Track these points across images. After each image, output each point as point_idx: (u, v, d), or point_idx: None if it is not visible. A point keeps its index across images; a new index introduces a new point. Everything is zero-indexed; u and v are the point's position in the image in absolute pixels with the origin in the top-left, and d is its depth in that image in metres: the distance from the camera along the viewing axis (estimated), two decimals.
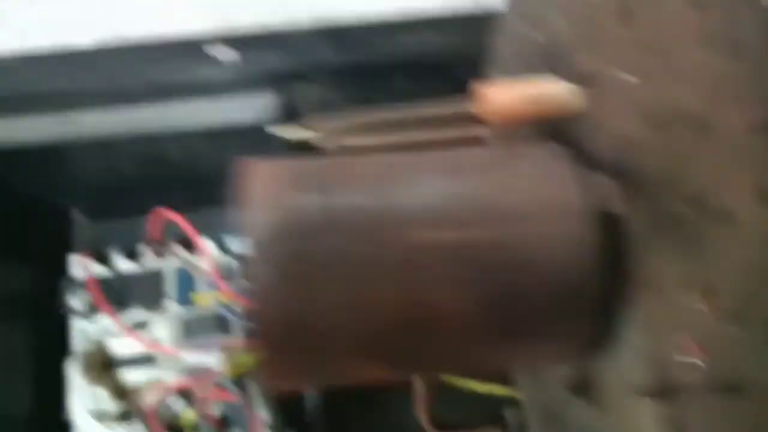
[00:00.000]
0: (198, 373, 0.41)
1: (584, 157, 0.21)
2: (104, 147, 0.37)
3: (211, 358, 0.39)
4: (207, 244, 0.42)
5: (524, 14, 0.25)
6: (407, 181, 0.20)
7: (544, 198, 0.20)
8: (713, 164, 0.14)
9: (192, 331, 0.42)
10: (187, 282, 0.44)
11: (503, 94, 0.21)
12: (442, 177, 0.21)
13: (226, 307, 0.41)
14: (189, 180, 0.46)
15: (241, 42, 0.32)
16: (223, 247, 0.44)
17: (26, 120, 0.34)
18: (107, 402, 0.42)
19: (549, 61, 0.22)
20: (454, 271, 0.19)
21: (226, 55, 0.32)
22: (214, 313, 0.43)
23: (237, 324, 0.42)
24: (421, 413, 0.32)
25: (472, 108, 0.22)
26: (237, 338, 0.42)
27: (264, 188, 0.20)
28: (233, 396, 0.38)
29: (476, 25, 0.33)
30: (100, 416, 0.42)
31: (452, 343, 0.20)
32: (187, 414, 0.40)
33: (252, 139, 0.39)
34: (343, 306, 0.19)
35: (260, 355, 0.19)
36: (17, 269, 0.42)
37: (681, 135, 0.16)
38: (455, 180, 0.20)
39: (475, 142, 0.24)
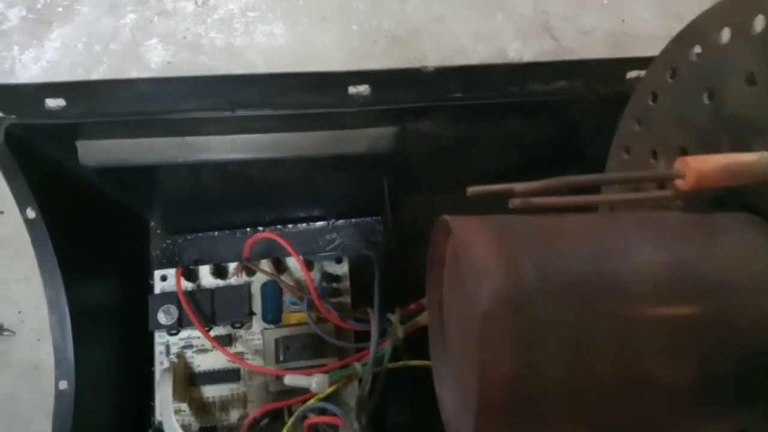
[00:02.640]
0: (286, 392, 0.41)
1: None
2: (205, 167, 0.36)
3: (302, 377, 0.39)
4: (302, 264, 0.42)
5: (692, 79, 0.25)
6: (617, 248, 0.21)
7: (756, 270, 0.20)
8: None
9: (282, 348, 0.42)
10: (276, 300, 0.44)
11: (705, 163, 0.21)
12: (651, 245, 0.21)
13: (317, 326, 0.41)
14: (276, 200, 0.46)
15: (373, 78, 0.32)
16: (310, 267, 0.45)
17: (146, 141, 0.34)
18: (191, 417, 0.42)
19: (730, 128, 0.23)
20: (671, 344, 0.19)
21: (359, 90, 0.32)
22: (303, 331, 0.43)
23: (328, 344, 0.42)
24: None
25: (663, 174, 0.22)
26: (327, 357, 0.42)
27: (482, 250, 0.20)
28: (332, 419, 0.38)
29: (602, 71, 0.34)
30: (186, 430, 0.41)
31: (660, 414, 0.20)
32: None
33: (358, 167, 0.39)
34: (562, 375, 0.19)
35: (477, 421, 0.19)
36: (106, 282, 0.42)
37: None
38: (664, 249, 0.21)
39: (660, 205, 0.25)
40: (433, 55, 0.55)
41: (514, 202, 0.23)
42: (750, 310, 0.20)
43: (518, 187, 0.23)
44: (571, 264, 0.20)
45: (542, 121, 0.37)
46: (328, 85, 0.33)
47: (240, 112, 0.33)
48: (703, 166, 0.22)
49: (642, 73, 0.35)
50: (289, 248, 0.41)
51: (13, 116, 0.32)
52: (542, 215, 0.23)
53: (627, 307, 0.20)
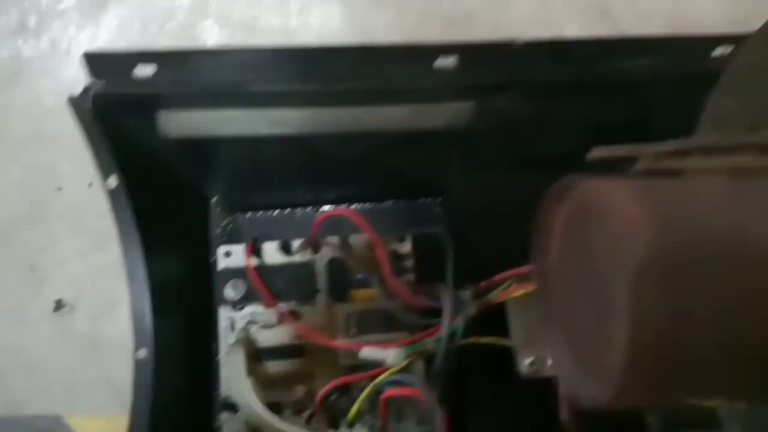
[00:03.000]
0: (355, 367, 0.41)
1: None
2: (282, 142, 0.36)
3: (382, 353, 0.39)
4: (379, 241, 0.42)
5: None
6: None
7: None
8: None
9: (354, 323, 0.42)
10: (343, 276, 0.44)
11: None
12: None
13: (386, 301, 0.41)
14: (340, 178, 0.46)
15: (461, 51, 0.32)
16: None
17: (229, 113, 0.34)
18: (257, 392, 0.42)
19: None
20: None
21: (446, 62, 0.32)
22: (372, 307, 0.43)
23: (396, 320, 0.42)
24: None
25: None
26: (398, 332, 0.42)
27: (631, 208, 0.19)
28: (410, 391, 0.38)
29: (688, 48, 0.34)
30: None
31: None
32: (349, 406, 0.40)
33: (428, 144, 0.39)
34: (719, 343, 0.19)
35: (623, 377, 0.19)
36: (177, 256, 0.42)
37: None
38: None
39: None
40: (490, 37, 0.54)
41: (641, 167, 0.23)
42: None
43: (649, 149, 0.23)
44: (724, 224, 0.19)
45: (622, 99, 0.37)
46: (415, 57, 0.33)
47: (328, 86, 0.33)
48: None
49: (727, 50, 0.35)
50: (364, 225, 0.41)
51: (103, 82, 0.32)
52: (684, 178, 0.22)
53: None
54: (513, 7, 0.55)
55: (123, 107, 0.34)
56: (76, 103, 0.33)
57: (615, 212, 0.20)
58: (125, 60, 0.32)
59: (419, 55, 0.33)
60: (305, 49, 0.32)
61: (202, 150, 0.38)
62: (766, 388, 0.20)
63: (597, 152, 0.23)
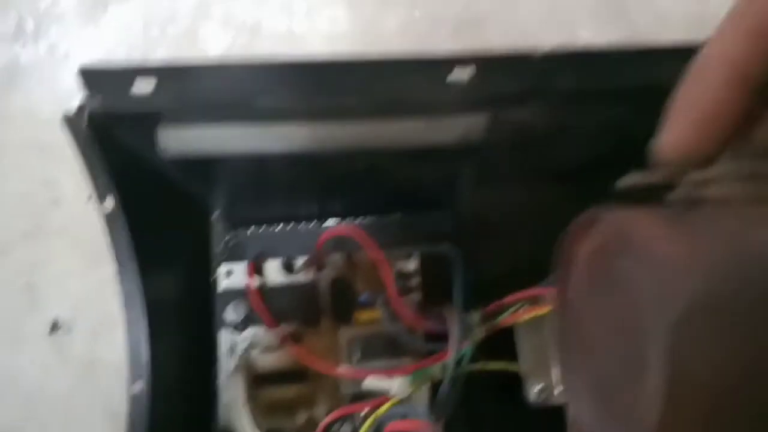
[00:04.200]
0: (359, 396, 0.39)
1: None
2: (286, 158, 0.34)
3: (386, 382, 0.37)
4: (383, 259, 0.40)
5: None
6: None
7: None
8: None
9: (357, 349, 0.40)
10: (347, 298, 0.42)
11: None
12: None
13: (393, 326, 0.39)
14: (345, 192, 0.44)
15: (476, 62, 0.30)
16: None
17: (232, 129, 0.32)
18: (257, 419, 0.40)
19: None
20: None
21: (461, 75, 0.30)
22: (376, 331, 0.41)
23: (401, 344, 0.40)
24: None
25: None
26: (402, 358, 0.40)
27: (669, 248, 0.17)
28: (416, 424, 0.36)
29: None
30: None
31: None
32: None
33: (440, 158, 0.37)
34: None
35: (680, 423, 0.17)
36: (175, 277, 0.40)
37: None
38: None
39: None
40: (499, 42, 0.52)
41: (679, 193, 0.21)
42: None
43: (693, 176, 0.20)
44: None
45: (645, 109, 0.35)
46: (428, 70, 0.31)
47: (336, 100, 0.31)
48: None
49: None
50: (369, 244, 0.39)
51: (99, 96, 0.30)
52: (717, 209, 0.20)
53: None
54: (525, 8, 0.53)
55: (121, 125, 0.32)
56: (71, 121, 0.31)
57: (651, 251, 0.18)
58: (122, 75, 0.30)
59: (433, 67, 0.31)
60: (312, 63, 0.30)
61: (203, 166, 0.36)
62: None
63: (628, 179, 0.21)
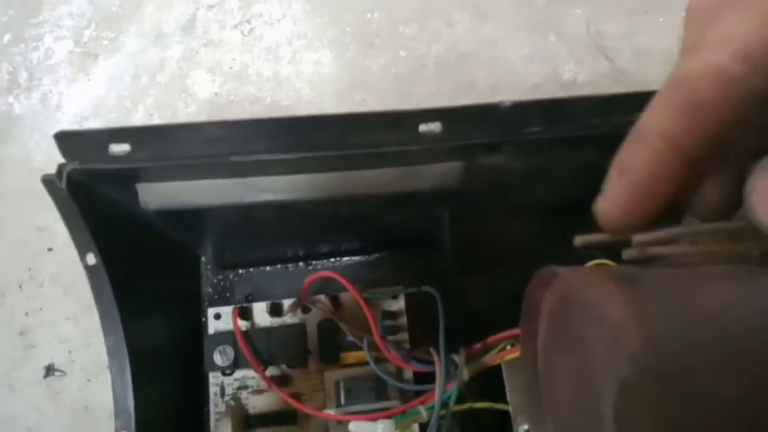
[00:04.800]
0: None
1: None
2: (267, 207, 0.35)
3: (367, 423, 0.38)
4: (363, 303, 0.41)
5: None
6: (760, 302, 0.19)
7: None
8: None
9: (343, 391, 0.40)
10: (333, 339, 0.42)
11: None
12: None
13: (379, 368, 0.39)
14: (330, 234, 0.45)
15: (446, 115, 0.31)
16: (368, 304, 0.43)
17: (208, 183, 0.33)
18: None
19: None
20: None
21: (430, 127, 0.31)
22: (363, 373, 0.41)
23: (389, 386, 0.40)
24: None
25: None
26: (389, 401, 0.40)
27: (612, 309, 0.18)
28: None
29: None
30: None
31: None
32: None
33: (420, 202, 0.38)
34: None
35: None
36: (163, 323, 0.41)
37: None
38: None
39: None
40: (483, 80, 0.53)
41: (630, 253, 0.21)
42: None
43: (639, 237, 0.21)
44: (726, 323, 0.18)
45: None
46: (399, 123, 0.32)
47: (311, 153, 0.32)
48: None
49: None
50: (350, 288, 0.40)
51: (76, 162, 0.31)
52: (674, 269, 0.21)
53: None
54: (508, 47, 0.54)
55: (100, 183, 0.33)
56: (49, 183, 0.32)
57: (601, 314, 0.18)
58: (98, 138, 0.31)
59: (403, 120, 0.32)
60: (286, 119, 0.31)
61: (187, 216, 0.37)
62: None
63: (580, 240, 0.22)
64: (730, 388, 0.17)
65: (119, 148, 0.31)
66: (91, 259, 0.34)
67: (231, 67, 0.53)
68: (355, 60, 0.54)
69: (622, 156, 0.20)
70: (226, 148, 0.31)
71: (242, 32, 0.54)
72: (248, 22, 0.54)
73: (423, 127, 0.32)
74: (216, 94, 0.53)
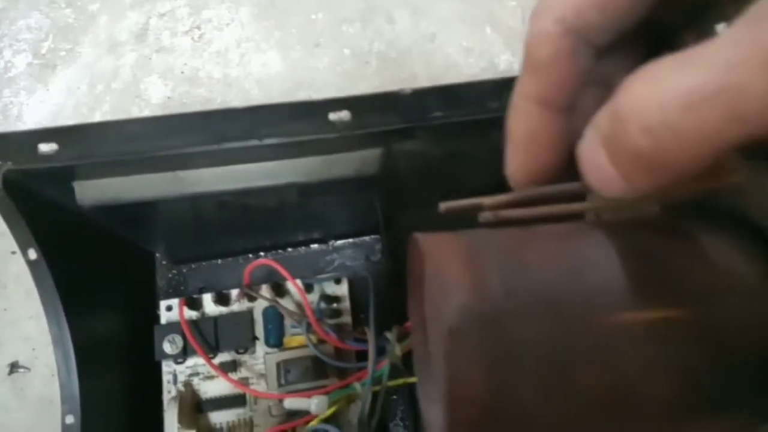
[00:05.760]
0: (290, 414, 0.42)
1: (755, 231, 0.21)
2: (200, 199, 0.37)
3: (301, 399, 0.40)
4: (299, 287, 0.43)
5: None
6: (592, 260, 0.20)
7: (738, 278, 0.20)
8: None
9: (282, 372, 0.43)
10: (277, 324, 0.44)
11: None
12: (628, 255, 0.21)
13: (316, 348, 0.42)
14: (275, 226, 0.47)
15: (353, 103, 0.33)
16: (309, 289, 0.45)
17: (140, 178, 0.35)
18: None
19: None
20: (656, 355, 0.19)
21: (340, 116, 0.33)
22: (303, 354, 0.43)
23: (329, 365, 0.42)
24: None
25: None
26: (328, 379, 0.43)
27: (451, 267, 0.20)
28: None
29: None
30: None
31: (645, 425, 0.20)
32: None
33: (349, 190, 0.40)
34: (542, 394, 0.19)
35: None
36: (113, 316, 0.43)
37: None
38: (642, 258, 0.21)
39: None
40: (423, 73, 0.55)
41: (485, 216, 0.23)
42: (733, 318, 0.20)
43: (487, 200, 0.23)
44: (542, 277, 0.20)
45: None
46: (309, 113, 0.34)
47: (226, 145, 0.34)
48: None
49: None
50: (285, 273, 0.42)
51: (10, 162, 0.34)
52: (514, 228, 0.23)
53: (606, 320, 0.19)
54: (446, 40, 0.56)
55: (35, 182, 0.35)
56: None
57: (436, 271, 0.20)
58: (27, 138, 0.34)
59: (314, 110, 0.34)
60: (201, 113, 0.33)
61: (124, 212, 0.39)
62: None
63: (443, 206, 0.24)
64: (539, 331, 0.19)
65: (47, 148, 0.33)
66: (32, 254, 0.36)
67: (182, 72, 0.56)
68: (301, 59, 0.56)
69: (507, 122, 0.23)
70: (148, 143, 0.34)
71: (192, 38, 0.57)
72: (198, 28, 0.57)
73: (333, 116, 0.34)
74: (169, 97, 0.55)
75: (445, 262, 0.20)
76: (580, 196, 0.24)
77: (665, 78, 0.15)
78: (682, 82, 0.15)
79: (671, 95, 0.15)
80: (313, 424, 0.40)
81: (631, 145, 0.16)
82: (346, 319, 0.46)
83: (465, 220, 0.24)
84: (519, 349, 0.19)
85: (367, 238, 0.50)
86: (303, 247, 0.50)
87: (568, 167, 0.23)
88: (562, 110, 0.22)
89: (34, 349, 0.50)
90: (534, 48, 0.21)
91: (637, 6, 0.19)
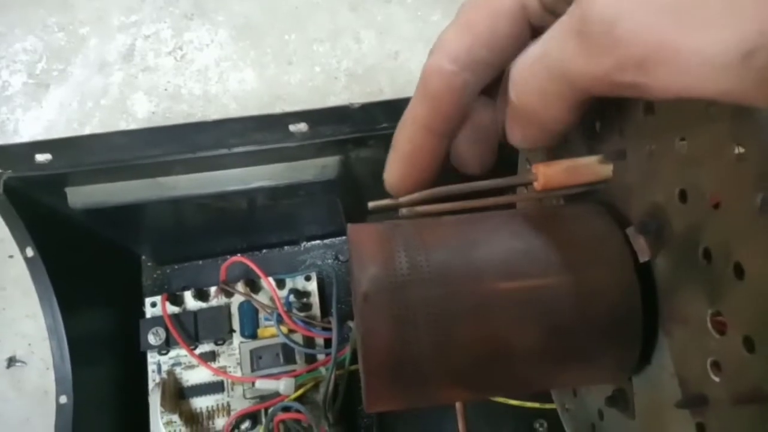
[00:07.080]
0: (263, 398, 0.46)
1: (618, 215, 0.26)
2: (179, 203, 0.42)
3: (271, 381, 0.44)
4: (270, 283, 0.47)
5: None
6: (479, 240, 0.25)
7: (595, 250, 0.25)
8: (726, 230, 0.20)
9: (255, 358, 0.47)
10: (251, 317, 0.49)
11: (551, 167, 0.26)
12: (509, 236, 0.26)
13: (285, 336, 0.46)
14: (251, 228, 0.51)
15: (309, 116, 0.37)
16: (281, 285, 0.50)
17: (124, 184, 0.39)
18: (182, 426, 0.47)
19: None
20: (524, 314, 0.24)
21: (298, 127, 0.38)
22: (274, 342, 0.48)
23: (298, 352, 0.47)
24: (461, 426, 0.37)
25: (524, 179, 0.27)
26: (297, 364, 0.47)
27: (367, 247, 0.25)
28: (297, 414, 0.43)
29: None
30: None
31: (520, 370, 0.25)
32: None
33: (313, 193, 0.45)
34: (433, 343, 0.24)
35: (367, 385, 0.24)
36: (102, 310, 0.48)
37: (696, 206, 0.21)
38: (519, 238, 0.26)
39: (525, 204, 0.29)
40: (388, 88, 0.60)
41: (402, 212, 0.28)
42: (588, 284, 0.25)
43: (403, 199, 0.28)
44: (437, 253, 0.25)
45: None
46: (271, 125, 0.39)
47: (200, 154, 0.39)
48: (549, 169, 0.27)
49: None
50: (257, 269, 0.47)
51: (9, 171, 0.38)
52: (426, 219, 0.28)
53: (485, 286, 0.24)
54: (409, 58, 0.61)
55: (32, 188, 0.40)
56: None
57: (358, 251, 0.25)
58: (24, 149, 0.38)
59: (275, 122, 0.39)
60: (176, 126, 0.38)
61: (112, 215, 0.44)
62: (488, 385, 0.26)
63: (371, 204, 0.28)
64: (430, 295, 0.24)
65: (43, 157, 0.38)
66: (30, 252, 0.40)
67: (166, 89, 0.61)
68: (275, 76, 0.61)
69: (394, 136, 0.27)
70: (132, 153, 0.39)
71: (175, 58, 0.62)
72: (180, 48, 0.62)
73: (292, 127, 0.39)
74: (153, 113, 0.60)
75: (363, 243, 0.25)
76: (483, 193, 0.29)
77: (527, 50, 0.21)
78: (530, 51, 0.21)
79: (523, 60, 0.21)
80: (277, 405, 0.44)
81: (510, 102, 0.22)
82: (316, 312, 0.50)
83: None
84: (415, 308, 0.24)
85: (336, 239, 0.55)
86: (278, 249, 0.55)
87: (438, 180, 0.28)
88: (444, 136, 0.27)
89: (30, 345, 0.55)
90: (428, 80, 0.26)
91: (522, 47, 0.24)
